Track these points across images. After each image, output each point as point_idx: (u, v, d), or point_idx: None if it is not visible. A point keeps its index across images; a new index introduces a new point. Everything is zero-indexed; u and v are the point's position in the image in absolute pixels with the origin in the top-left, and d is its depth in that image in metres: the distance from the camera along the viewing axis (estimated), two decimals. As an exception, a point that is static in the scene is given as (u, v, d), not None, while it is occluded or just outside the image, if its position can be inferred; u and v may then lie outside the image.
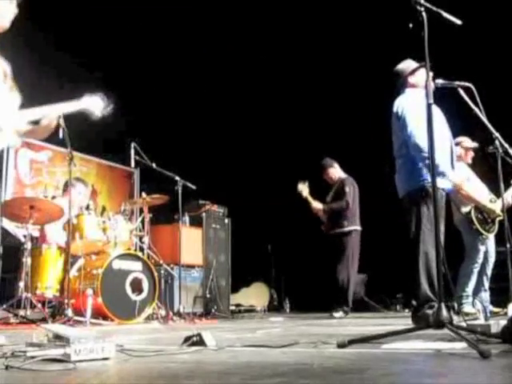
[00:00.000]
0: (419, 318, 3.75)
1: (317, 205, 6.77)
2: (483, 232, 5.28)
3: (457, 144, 5.55)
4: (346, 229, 6.68)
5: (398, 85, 4.18)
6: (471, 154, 5.57)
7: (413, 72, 4.13)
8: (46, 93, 3.15)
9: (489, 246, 5.39)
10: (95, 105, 3.21)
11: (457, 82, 3.79)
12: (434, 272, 3.87)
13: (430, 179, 3.82)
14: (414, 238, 3.85)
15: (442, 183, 3.85)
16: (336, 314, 6.26)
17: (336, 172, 6.94)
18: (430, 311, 3.72)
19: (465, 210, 5.37)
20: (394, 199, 4.17)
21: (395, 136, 4.10)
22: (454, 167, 4.06)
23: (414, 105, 3.86)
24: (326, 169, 6.94)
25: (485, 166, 5.13)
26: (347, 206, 6.66)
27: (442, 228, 3.85)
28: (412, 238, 3.87)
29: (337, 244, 6.69)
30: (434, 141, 2.44)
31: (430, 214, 3.82)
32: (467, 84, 3.77)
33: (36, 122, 2.98)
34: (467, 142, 5.56)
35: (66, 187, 5.59)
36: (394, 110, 4.05)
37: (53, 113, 2.98)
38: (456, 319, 3.04)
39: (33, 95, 2.99)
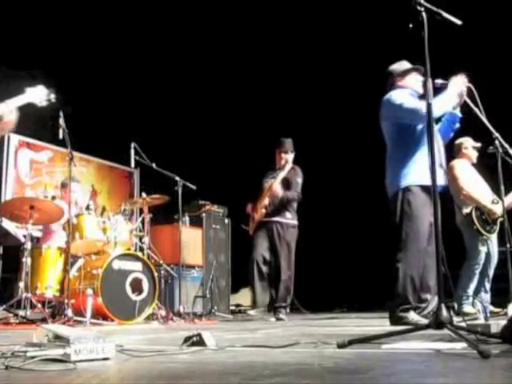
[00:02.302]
0: (396, 320, 3.75)
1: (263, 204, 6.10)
2: (484, 233, 5.28)
3: (460, 144, 5.55)
4: (290, 221, 6.10)
5: (387, 84, 4.19)
6: (475, 153, 5.56)
7: (403, 75, 4.13)
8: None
9: (490, 247, 5.39)
10: (39, 95, 3.45)
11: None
12: (425, 274, 3.89)
13: (414, 178, 3.86)
14: (401, 239, 3.86)
15: (424, 180, 3.72)
16: (283, 316, 5.91)
17: (290, 159, 6.24)
18: (403, 314, 3.74)
19: (466, 210, 5.37)
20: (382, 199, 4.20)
21: (385, 129, 4.10)
22: (443, 166, 4.04)
23: (402, 92, 3.96)
24: (286, 151, 6.22)
25: (487, 166, 5.14)
26: (298, 198, 6.13)
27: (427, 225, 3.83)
28: (399, 239, 3.88)
29: (272, 234, 6.04)
30: (433, 141, 2.44)
31: (413, 213, 3.84)
32: (467, 84, 3.78)
33: None
34: (470, 141, 5.54)
35: (62, 187, 5.63)
36: (383, 101, 4.06)
37: (10, 108, 3.19)
38: (456, 319, 3.06)
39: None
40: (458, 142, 5.50)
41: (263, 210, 6.07)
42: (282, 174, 6.08)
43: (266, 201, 6.08)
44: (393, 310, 3.84)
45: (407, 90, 4.05)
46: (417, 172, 3.84)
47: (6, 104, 3.15)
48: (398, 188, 3.94)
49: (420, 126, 3.86)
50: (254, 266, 5.95)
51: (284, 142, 6.32)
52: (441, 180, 3.75)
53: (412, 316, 3.77)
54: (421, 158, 3.80)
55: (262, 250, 6.02)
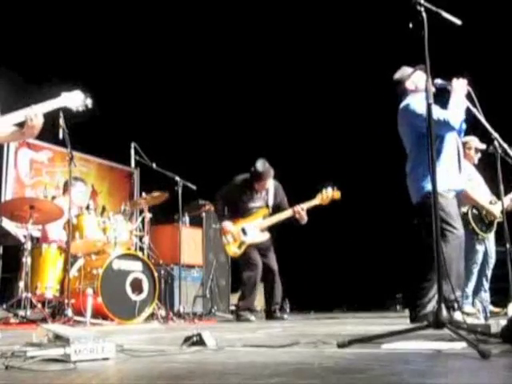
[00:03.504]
0: (420, 318, 3.77)
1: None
2: (479, 232, 5.27)
3: (464, 143, 5.49)
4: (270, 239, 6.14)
5: (399, 93, 4.21)
6: (478, 155, 5.51)
7: (408, 77, 4.15)
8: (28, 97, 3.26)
9: (488, 246, 5.38)
10: (75, 100, 3.30)
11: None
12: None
13: (442, 183, 3.88)
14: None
15: (452, 184, 3.92)
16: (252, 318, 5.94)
17: (271, 183, 6.10)
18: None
19: (463, 210, 5.36)
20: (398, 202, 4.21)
21: (405, 136, 4.13)
22: (461, 170, 4.09)
23: (421, 101, 3.93)
24: (267, 178, 5.99)
25: (486, 166, 5.14)
26: None
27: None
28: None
29: (266, 248, 6.11)
30: (433, 140, 2.44)
31: (448, 216, 3.89)
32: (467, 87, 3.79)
33: (21, 125, 3.06)
34: (475, 142, 5.47)
35: (66, 187, 5.59)
36: (401, 108, 4.08)
37: (35, 113, 3.05)
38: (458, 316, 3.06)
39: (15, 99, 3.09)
40: (463, 140, 5.44)
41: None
42: (269, 198, 6.02)
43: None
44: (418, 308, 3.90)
45: (422, 95, 4.03)
46: (444, 176, 3.84)
47: (32, 108, 3.03)
48: (427, 192, 3.90)
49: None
50: (257, 271, 5.92)
51: (263, 172, 5.94)
52: (461, 184, 4.12)
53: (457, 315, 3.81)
54: (446, 161, 3.92)
55: (258, 257, 5.97)
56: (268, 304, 6.13)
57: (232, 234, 5.93)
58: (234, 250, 5.95)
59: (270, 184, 6.09)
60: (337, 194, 6.05)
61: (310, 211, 6.68)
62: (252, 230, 5.94)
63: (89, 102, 3.33)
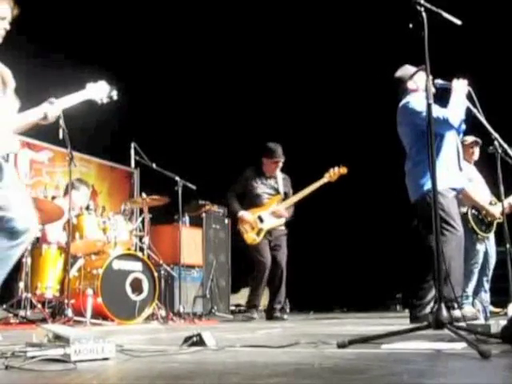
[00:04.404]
0: (420, 318, 3.77)
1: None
2: (479, 232, 5.27)
3: (461, 142, 5.50)
4: (284, 229, 6.31)
5: (399, 92, 4.21)
6: (476, 151, 5.48)
7: (411, 77, 4.15)
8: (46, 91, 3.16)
9: (488, 246, 5.38)
10: (101, 91, 3.16)
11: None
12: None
13: (442, 181, 3.88)
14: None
15: (452, 183, 3.91)
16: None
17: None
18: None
19: (462, 210, 5.36)
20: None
21: (404, 135, 4.12)
22: (461, 169, 4.10)
23: (419, 99, 3.95)
24: (278, 157, 6.20)
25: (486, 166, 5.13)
26: None
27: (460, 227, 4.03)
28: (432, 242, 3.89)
29: (274, 240, 6.20)
30: (433, 140, 2.44)
31: (447, 214, 3.89)
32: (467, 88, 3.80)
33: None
34: (467, 140, 5.49)
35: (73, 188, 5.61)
36: (401, 107, 4.08)
37: (56, 110, 2.96)
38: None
39: (32, 95, 3.00)
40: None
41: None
42: (279, 185, 6.21)
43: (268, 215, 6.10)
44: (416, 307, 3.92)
45: (422, 94, 4.04)
46: (444, 175, 3.84)
47: (53, 104, 2.91)
48: (427, 191, 3.90)
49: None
50: (265, 270, 6.01)
51: (276, 149, 6.16)
52: (461, 183, 4.17)
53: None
54: (445, 160, 3.93)
55: (268, 255, 6.07)
56: (271, 302, 6.18)
57: (249, 222, 6.07)
58: (253, 236, 6.06)
59: (279, 174, 6.26)
60: (343, 170, 6.23)
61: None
62: (268, 216, 6.09)
63: (114, 93, 3.21)
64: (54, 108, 2.93)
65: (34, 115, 2.90)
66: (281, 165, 6.23)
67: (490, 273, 5.40)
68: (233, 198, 6.26)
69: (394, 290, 8.63)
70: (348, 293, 8.75)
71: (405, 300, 7.96)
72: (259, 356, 2.11)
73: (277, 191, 6.22)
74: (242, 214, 6.10)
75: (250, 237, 6.06)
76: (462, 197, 5.36)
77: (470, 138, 5.40)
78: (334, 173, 6.17)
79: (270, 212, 6.10)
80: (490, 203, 5.33)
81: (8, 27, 2.81)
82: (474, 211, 5.30)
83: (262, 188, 6.17)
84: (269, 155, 6.17)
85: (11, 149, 2.83)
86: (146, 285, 5.42)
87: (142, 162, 5.99)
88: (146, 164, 5.99)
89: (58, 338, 1.97)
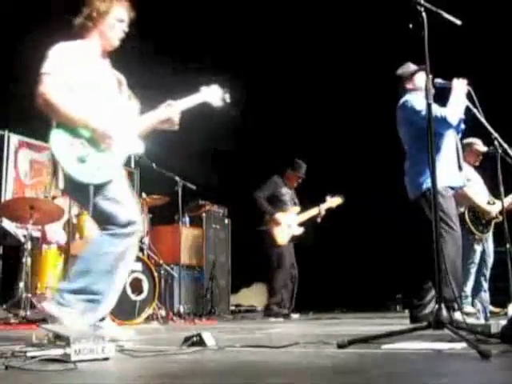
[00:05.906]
0: (420, 318, 3.77)
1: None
2: (476, 232, 5.26)
3: (468, 145, 5.45)
4: None
5: (399, 89, 4.21)
6: (480, 157, 5.46)
7: (411, 76, 4.15)
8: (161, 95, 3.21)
9: (486, 246, 5.38)
10: (214, 95, 3.23)
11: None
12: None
13: (441, 179, 3.87)
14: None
15: (450, 181, 3.91)
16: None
17: None
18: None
19: (460, 209, 5.36)
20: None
21: (403, 133, 4.13)
22: (461, 168, 4.09)
23: (418, 97, 3.97)
24: (303, 172, 6.71)
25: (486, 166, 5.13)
26: None
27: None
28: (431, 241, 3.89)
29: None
30: (433, 140, 2.45)
31: (445, 212, 3.88)
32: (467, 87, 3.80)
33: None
34: (479, 145, 5.40)
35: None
36: (400, 105, 4.09)
37: (176, 112, 3.07)
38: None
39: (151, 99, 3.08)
40: (467, 141, 5.39)
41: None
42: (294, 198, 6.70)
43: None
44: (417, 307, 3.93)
45: (421, 94, 4.03)
46: (443, 173, 3.84)
47: (171, 106, 3.03)
48: (425, 189, 3.90)
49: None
50: (287, 275, 6.37)
51: (302, 166, 6.66)
52: (460, 181, 4.16)
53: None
54: (445, 159, 3.92)
55: (289, 255, 6.44)
56: (290, 300, 6.50)
57: (282, 225, 6.42)
58: (285, 238, 6.42)
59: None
60: (338, 201, 6.81)
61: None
62: (293, 223, 6.51)
63: (227, 96, 3.27)
64: (174, 111, 3.03)
65: (156, 117, 3.02)
66: (300, 181, 6.70)
67: (488, 272, 5.39)
68: (264, 199, 6.55)
69: (394, 290, 8.63)
70: (348, 293, 8.73)
71: (405, 300, 7.96)
72: (259, 356, 2.11)
73: (295, 203, 6.65)
74: (278, 216, 6.42)
75: (283, 238, 6.40)
76: (459, 196, 5.35)
77: (484, 148, 5.34)
78: (331, 201, 6.73)
79: (297, 220, 6.49)
80: (488, 203, 5.33)
81: (126, 29, 2.97)
82: (471, 211, 5.29)
83: (287, 196, 6.59)
84: (295, 169, 6.65)
85: (137, 149, 2.91)
86: (146, 285, 5.41)
87: (142, 162, 5.98)
88: (146, 164, 5.99)
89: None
